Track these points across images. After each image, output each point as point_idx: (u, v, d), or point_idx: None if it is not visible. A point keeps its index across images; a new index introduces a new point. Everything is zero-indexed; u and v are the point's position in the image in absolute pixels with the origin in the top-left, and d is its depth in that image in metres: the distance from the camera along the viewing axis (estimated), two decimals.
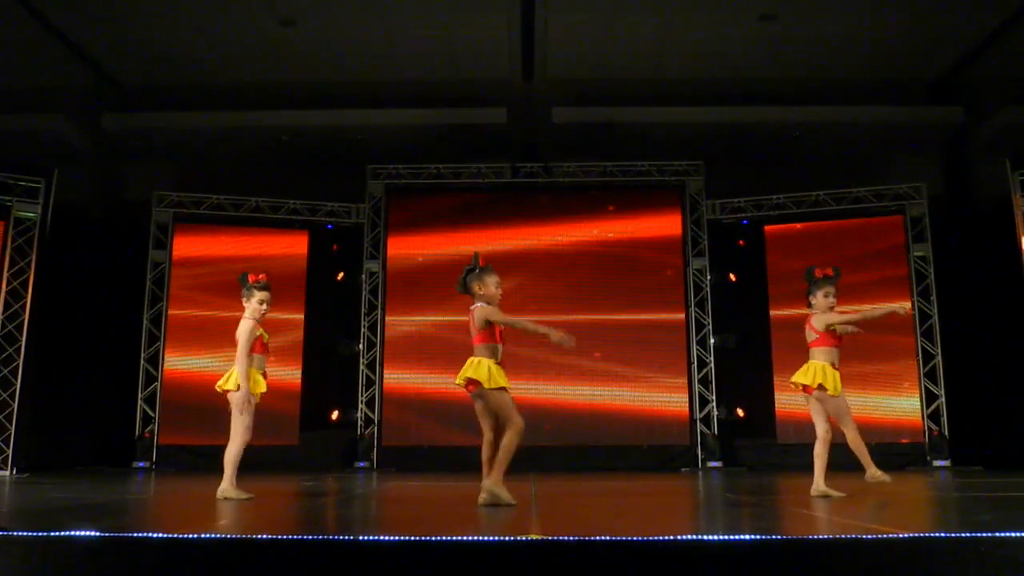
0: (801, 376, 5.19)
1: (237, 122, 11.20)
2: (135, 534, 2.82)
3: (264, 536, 2.72)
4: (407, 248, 11.44)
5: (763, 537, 2.69)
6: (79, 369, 10.47)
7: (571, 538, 2.54)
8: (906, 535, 2.71)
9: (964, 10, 9.42)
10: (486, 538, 2.64)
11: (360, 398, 10.96)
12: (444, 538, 2.55)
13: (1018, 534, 2.53)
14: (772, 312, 10.85)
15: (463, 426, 9.19)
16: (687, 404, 10.80)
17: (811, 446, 5.16)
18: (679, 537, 2.65)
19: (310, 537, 2.62)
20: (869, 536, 2.60)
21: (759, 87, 11.02)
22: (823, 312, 5.21)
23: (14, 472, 8.75)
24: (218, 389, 5.22)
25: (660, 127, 11.31)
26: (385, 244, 11.39)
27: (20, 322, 9.17)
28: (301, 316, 11.18)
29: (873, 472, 5.07)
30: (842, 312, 5.33)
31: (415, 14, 9.52)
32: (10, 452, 8.82)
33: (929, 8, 9.39)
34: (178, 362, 10.85)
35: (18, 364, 9.07)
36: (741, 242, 11.54)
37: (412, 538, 2.55)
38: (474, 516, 3.98)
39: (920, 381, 10.43)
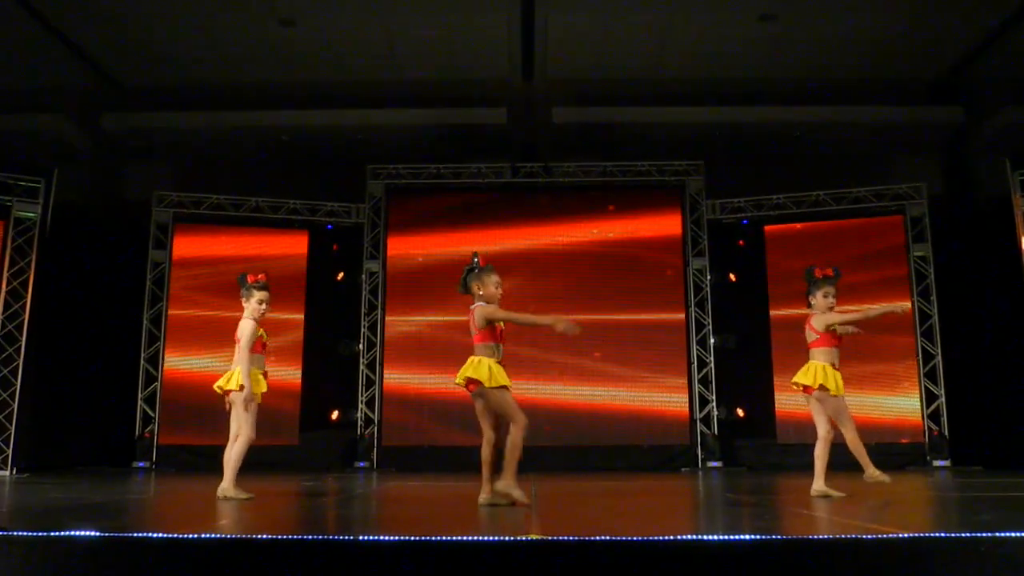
0: (802, 376, 5.20)
1: (237, 122, 11.19)
2: (135, 534, 2.82)
3: (264, 536, 2.73)
4: (407, 248, 11.44)
5: (763, 537, 2.69)
6: (79, 369, 10.46)
7: (571, 538, 2.54)
8: (906, 535, 2.71)
9: (964, 10, 9.41)
10: (486, 538, 2.65)
11: (360, 398, 10.96)
12: (444, 538, 2.56)
13: (1018, 534, 2.54)
14: (772, 312, 10.86)
15: (463, 426, 9.19)
16: (687, 404, 10.80)
17: (811, 446, 5.17)
18: (679, 537, 2.66)
19: (310, 537, 2.62)
20: (869, 536, 2.60)
21: (759, 87, 11.01)
22: (823, 312, 5.21)
23: (14, 472, 8.76)
24: (217, 389, 5.21)
25: (660, 127, 11.31)
26: (385, 244, 11.38)
27: (20, 322, 9.18)
28: (301, 316, 11.18)
29: (872, 472, 5.07)
30: (842, 312, 5.34)
31: (415, 14, 9.52)
32: (10, 452, 8.83)
33: (929, 8, 9.39)
34: (178, 362, 10.85)
35: (18, 364, 9.09)
36: (741, 242, 11.54)
37: (412, 538, 2.55)
38: (474, 516, 3.98)
39: (920, 381, 10.44)
